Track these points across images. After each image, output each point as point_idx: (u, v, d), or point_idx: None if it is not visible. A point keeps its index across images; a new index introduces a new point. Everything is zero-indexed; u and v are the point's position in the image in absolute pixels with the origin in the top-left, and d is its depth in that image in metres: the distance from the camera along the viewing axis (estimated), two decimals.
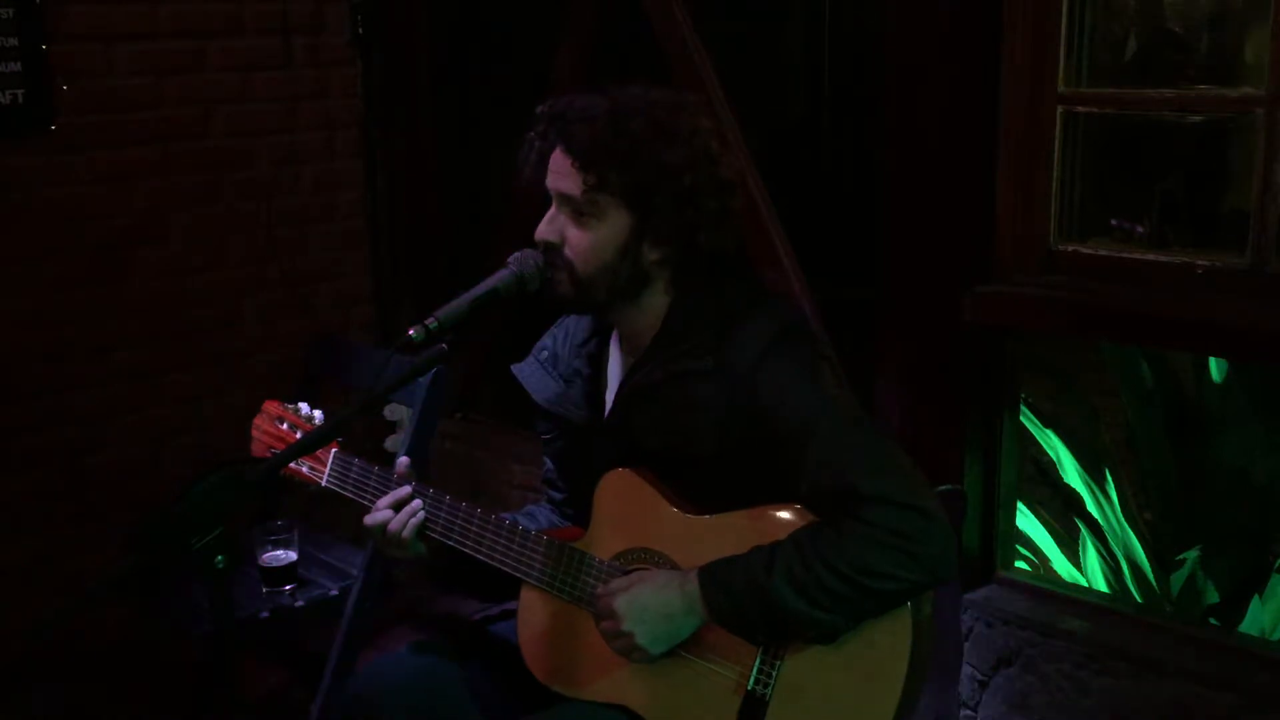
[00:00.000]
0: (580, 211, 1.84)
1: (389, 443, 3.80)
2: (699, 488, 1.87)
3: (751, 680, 1.79)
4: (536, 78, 3.40)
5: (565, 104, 1.86)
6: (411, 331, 1.76)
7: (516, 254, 1.88)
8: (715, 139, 1.88)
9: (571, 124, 1.83)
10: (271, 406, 2.14)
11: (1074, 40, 2.43)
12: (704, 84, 2.97)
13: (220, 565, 1.55)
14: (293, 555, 2.87)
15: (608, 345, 2.03)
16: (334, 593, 2.87)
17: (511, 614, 2.04)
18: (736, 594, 1.75)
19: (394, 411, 3.77)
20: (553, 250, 1.87)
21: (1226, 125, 2.77)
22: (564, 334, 2.08)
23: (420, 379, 2.57)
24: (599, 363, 2.03)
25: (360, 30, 3.79)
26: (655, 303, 1.91)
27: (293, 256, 3.75)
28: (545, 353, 2.08)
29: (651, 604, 1.81)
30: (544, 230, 1.88)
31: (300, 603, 2.83)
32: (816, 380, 1.80)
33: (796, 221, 2.93)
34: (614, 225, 1.84)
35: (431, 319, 1.78)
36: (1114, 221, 3.03)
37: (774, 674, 1.78)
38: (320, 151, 3.78)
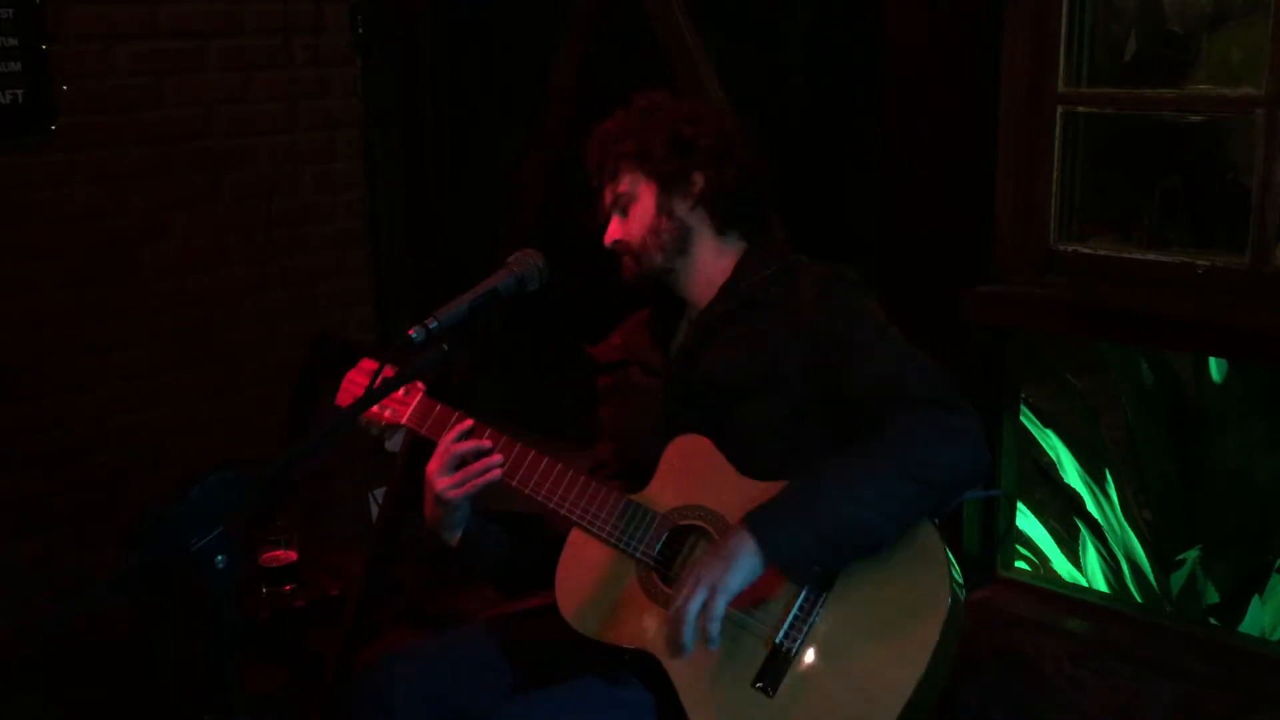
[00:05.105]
0: (622, 205, 2.08)
1: (389, 443, 3.79)
2: (754, 421, 1.96)
3: (781, 634, 1.82)
4: (536, 78, 3.40)
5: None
6: (411, 332, 1.79)
7: (516, 255, 1.92)
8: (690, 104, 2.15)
9: (588, 161, 2.11)
10: (368, 363, 2.22)
11: (1074, 40, 2.43)
12: (704, 84, 2.97)
13: (220, 565, 1.55)
14: (292, 555, 2.87)
15: (677, 321, 2.17)
16: (334, 593, 2.87)
17: (520, 615, 2.05)
18: (781, 518, 1.79)
19: None
20: (621, 246, 2.08)
21: (1226, 125, 2.77)
22: (632, 323, 2.25)
23: None
24: (668, 331, 2.16)
25: (360, 30, 3.79)
26: (708, 259, 2.09)
27: (293, 256, 3.75)
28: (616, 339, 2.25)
29: (705, 557, 1.80)
30: (610, 234, 2.10)
31: (300, 603, 2.84)
32: (871, 313, 1.99)
33: (796, 221, 2.93)
34: (644, 198, 2.07)
35: (431, 320, 1.81)
36: (1112, 224, 3.02)
37: (804, 630, 1.81)
38: (320, 151, 3.79)
